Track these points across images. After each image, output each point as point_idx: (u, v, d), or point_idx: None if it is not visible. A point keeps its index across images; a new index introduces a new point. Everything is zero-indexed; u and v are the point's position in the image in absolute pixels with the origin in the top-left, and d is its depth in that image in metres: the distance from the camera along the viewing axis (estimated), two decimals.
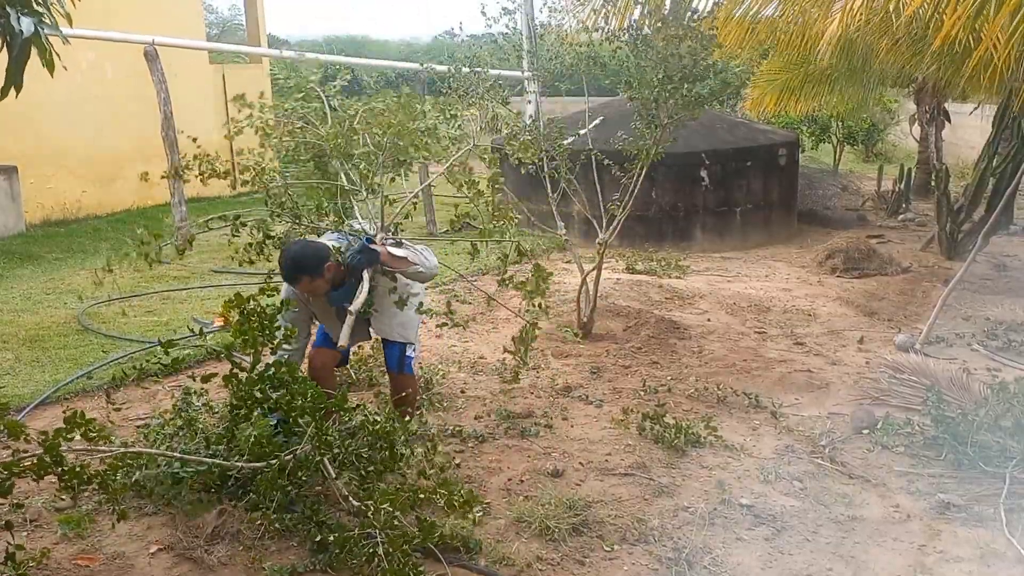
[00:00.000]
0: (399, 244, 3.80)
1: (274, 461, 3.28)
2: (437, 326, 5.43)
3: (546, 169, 6.13)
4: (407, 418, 4.09)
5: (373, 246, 3.67)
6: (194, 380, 3.75)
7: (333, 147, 3.82)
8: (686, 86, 5.34)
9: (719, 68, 5.51)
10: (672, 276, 7.96)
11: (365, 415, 3.68)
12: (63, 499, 3.59)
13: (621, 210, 5.85)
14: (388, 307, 3.89)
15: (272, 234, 3.92)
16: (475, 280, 6.93)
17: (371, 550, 3.08)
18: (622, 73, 5.81)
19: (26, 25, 2.67)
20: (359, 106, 4.11)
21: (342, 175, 3.86)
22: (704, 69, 5.39)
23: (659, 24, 5.49)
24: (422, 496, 3.37)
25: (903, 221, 11.10)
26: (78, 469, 2.86)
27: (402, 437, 3.60)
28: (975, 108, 12.54)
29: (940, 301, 6.13)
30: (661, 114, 5.57)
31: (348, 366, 5.10)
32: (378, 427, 3.52)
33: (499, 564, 3.22)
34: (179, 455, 3.46)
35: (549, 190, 6.12)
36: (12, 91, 2.83)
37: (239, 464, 3.35)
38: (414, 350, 4.17)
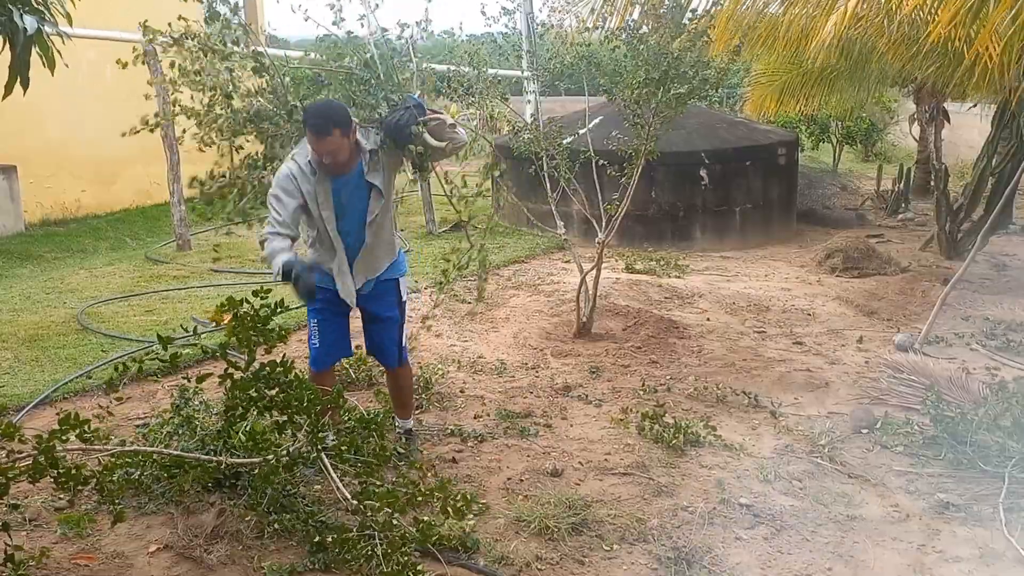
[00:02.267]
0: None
1: (270, 457, 3.28)
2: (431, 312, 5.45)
3: (546, 168, 6.13)
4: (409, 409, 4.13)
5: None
6: (188, 381, 3.74)
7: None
8: (663, 88, 5.35)
9: (701, 66, 5.51)
10: (671, 276, 7.96)
11: (363, 412, 3.68)
12: (61, 499, 3.60)
13: (618, 210, 5.86)
14: (387, 233, 3.83)
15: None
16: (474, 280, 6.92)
17: (369, 550, 3.08)
18: (619, 73, 5.81)
19: (29, 23, 2.67)
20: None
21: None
22: (689, 66, 5.39)
23: (656, 24, 5.50)
24: (420, 498, 3.38)
25: (902, 221, 11.10)
26: (74, 471, 2.85)
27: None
28: (972, 106, 12.54)
29: (939, 301, 6.13)
30: (646, 114, 5.58)
31: (347, 365, 5.10)
32: (369, 418, 3.52)
33: (498, 563, 3.22)
34: (175, 452, 3.47)
35: (548, 189, 6.12)
36: (12, 90, 2.84)
37: (235, 460, 3.36)
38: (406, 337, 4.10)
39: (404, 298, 4.03)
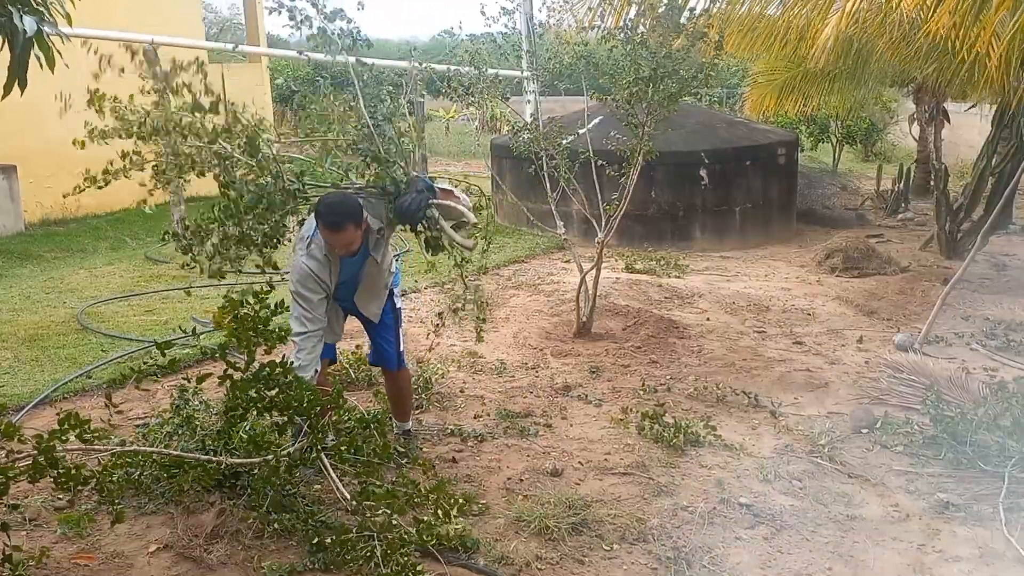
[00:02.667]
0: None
1: (269, 457, 3.28)
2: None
3: (545, 168, 6.13)
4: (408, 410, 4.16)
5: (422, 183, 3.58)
6: (188, 381, 3.73)
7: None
8: (653, 86, 5.35)
9: (691, 63, 5.52)
10: (671, 275, 7.96)
11: (363, 413, 3.68)
12: (61, 499, 3.60)
13: (618, 210, 5.86)
14: (380, 286, 3.91)
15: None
16: (475, 279, 6.92)
17: (369, 551, 3.08)
18: (616, 73, 5.81)
19: (28, 24, 2.67)
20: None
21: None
22: (680, 63, 5.40)
23: (653, 23, 5.51)
24: (418, 499, 3.38)
25: (902, 220, 11.10)
26: (74, 471, 2.85)
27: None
28: (972, 106, 12.54)
29: (939, 300, 6.13)
30: (639, 113, 5.59)
31: (346, 365, 5.10)
32: (369, 418, 3.53)
33: (498, 563, 3.22)
34: (174, 452, 3.46)
35: (548, 189, 6.12)
36: (11, 91, 2.83)
37: (234, 460, 3.36)
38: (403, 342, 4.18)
39: (399, 305, 4.12)
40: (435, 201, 3.58)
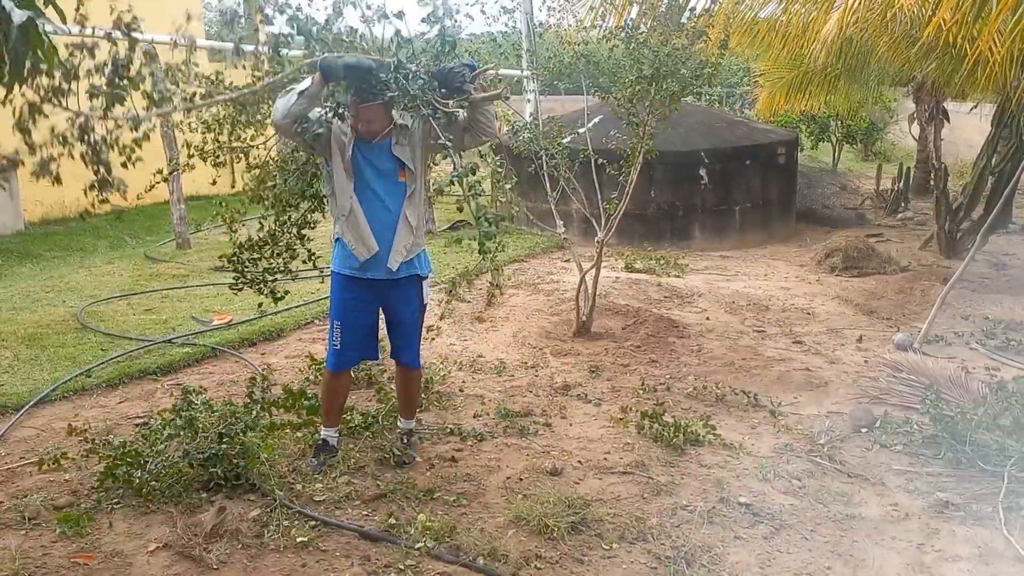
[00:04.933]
0: None
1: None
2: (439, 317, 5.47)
3: (545, 168, 6.13)
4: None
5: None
6: (187, 379, 3.74)
7: None
8: (655, 85, 5.35)
9: (694, 63, 5.51)
10: (671, 275, 7.96)
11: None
12: (61, 497, 3.61)
13: (617, 209, 5.85)
14: (419, 226, 3.82)
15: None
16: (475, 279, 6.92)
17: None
18: (617, 72, 5.81)
19: (17, 16, 2.65)
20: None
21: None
22: (683, 63, 5.39)
23: (654, 23, 5.51)
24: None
25: (902, 220, 11.11)
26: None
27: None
28: (974, 107, 12.54)
29: (939, 300, 6.13)
30: (641, 112, 5.59)
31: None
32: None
33: (498, 562, 3.22)
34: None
35: (548, 188, 6.12)
36: (13, 89, 2.82)
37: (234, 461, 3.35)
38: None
39: (426, 300, 3.99)
40: (473, 86, 3.50)
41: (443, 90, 3.50)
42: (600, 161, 6.08)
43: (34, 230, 10.00)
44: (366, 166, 3.69)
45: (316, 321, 6.33)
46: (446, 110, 3.49)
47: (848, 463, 4.11)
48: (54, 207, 10.59)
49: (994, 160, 8.33)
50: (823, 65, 8.46)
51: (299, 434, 4.16)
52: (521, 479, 3.89)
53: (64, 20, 3.08)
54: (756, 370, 5.39)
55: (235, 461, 3.67)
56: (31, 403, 4.73)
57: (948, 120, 12.50)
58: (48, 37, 2.74)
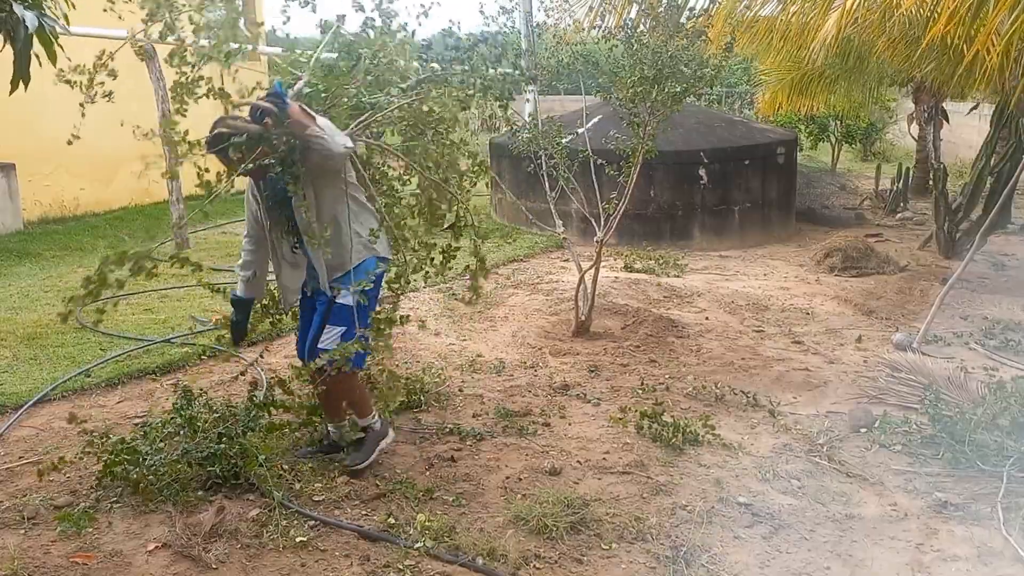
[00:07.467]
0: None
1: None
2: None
3: (544, 167, 6.13)
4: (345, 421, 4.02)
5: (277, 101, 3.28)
6: (186, 378, 3.74)
7: None
8: (658, 86, 5.35)
9: (696, 64, 5.51)
10: (670, 274, 7.96)
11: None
12: (60, 497, 3.60)
13: (617, 209, 5.85)
14: (336, 244, 3.59)
15: None
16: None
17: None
18: (616, 72, 5.81)
19: (30, 19, 2.67)
20: None
21: None
22: (685, 64, 5.39)
23: (653, 23, 5.52)
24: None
25: (901, 220, 11.11)
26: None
27: None
28: (973, 107, 12.56)
29: (938, 300, 6.13)
30: (642, 113, 5.59)
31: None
32: None
33: (497, 562, 3.22)
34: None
35: (547, 188, 6.12)
36: (17, 87, 2.83)
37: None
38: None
39: (344, 301, 3.61)
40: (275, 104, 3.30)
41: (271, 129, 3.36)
42: (599, 161, 6.08)
43: (33, 229, 9.99)
44: (268, 205, 3.74)
45: None
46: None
47: (847, 463, 4.11)
48: (53, 207, 10.58)
49: (993, 160, 8.34)
50: (820, 63, 8.47)
51: (298, 434, 4.16)
52: (520, 479, 3.89)
53: (68, 22, 3.09)
54: (755, 370, 5.39)
55: (234, 460, 3.67)
56: (30, 402, 4.72)
57: (947, 120, 12.51)
58: (54, 36, 2.75)
